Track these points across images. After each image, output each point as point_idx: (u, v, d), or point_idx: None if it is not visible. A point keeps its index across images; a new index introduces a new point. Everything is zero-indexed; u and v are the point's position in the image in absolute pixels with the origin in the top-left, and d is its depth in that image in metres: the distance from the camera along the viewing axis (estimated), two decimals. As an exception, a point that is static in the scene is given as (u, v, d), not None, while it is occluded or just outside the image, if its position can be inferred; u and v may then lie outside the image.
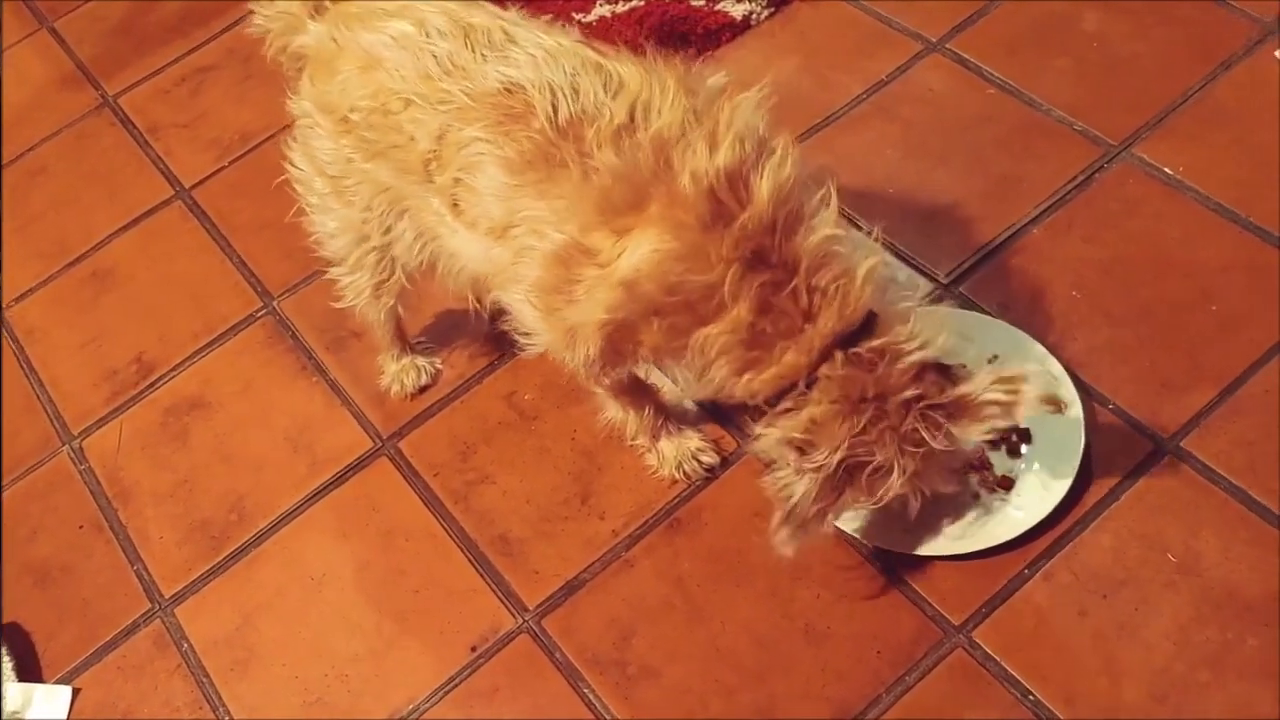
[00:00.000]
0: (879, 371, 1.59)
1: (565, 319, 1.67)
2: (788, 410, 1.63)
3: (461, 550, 2.07)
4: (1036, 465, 1.92)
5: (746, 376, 1.63)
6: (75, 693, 2.03)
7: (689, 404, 2.12)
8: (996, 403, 1.60)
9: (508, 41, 1.67)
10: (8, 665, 2.05)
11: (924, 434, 1.58)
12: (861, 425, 1.59)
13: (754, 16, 2.74)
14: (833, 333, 1.59)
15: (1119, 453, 1.94)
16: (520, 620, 1.97)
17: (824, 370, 1.60)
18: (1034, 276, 2.17)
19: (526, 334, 1.79)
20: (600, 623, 1.93)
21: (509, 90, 1.62)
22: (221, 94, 2.99)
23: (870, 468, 1.61)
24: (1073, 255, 2.19)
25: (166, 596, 2.13)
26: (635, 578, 1.97)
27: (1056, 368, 1.98)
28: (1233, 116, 2.32)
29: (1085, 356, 2.05)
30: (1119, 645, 1.76)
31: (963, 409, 1.61)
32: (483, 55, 1.66)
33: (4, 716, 1.99)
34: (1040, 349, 2.01)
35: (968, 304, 2.15)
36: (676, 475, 2.04)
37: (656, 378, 2.06)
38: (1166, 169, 2.27)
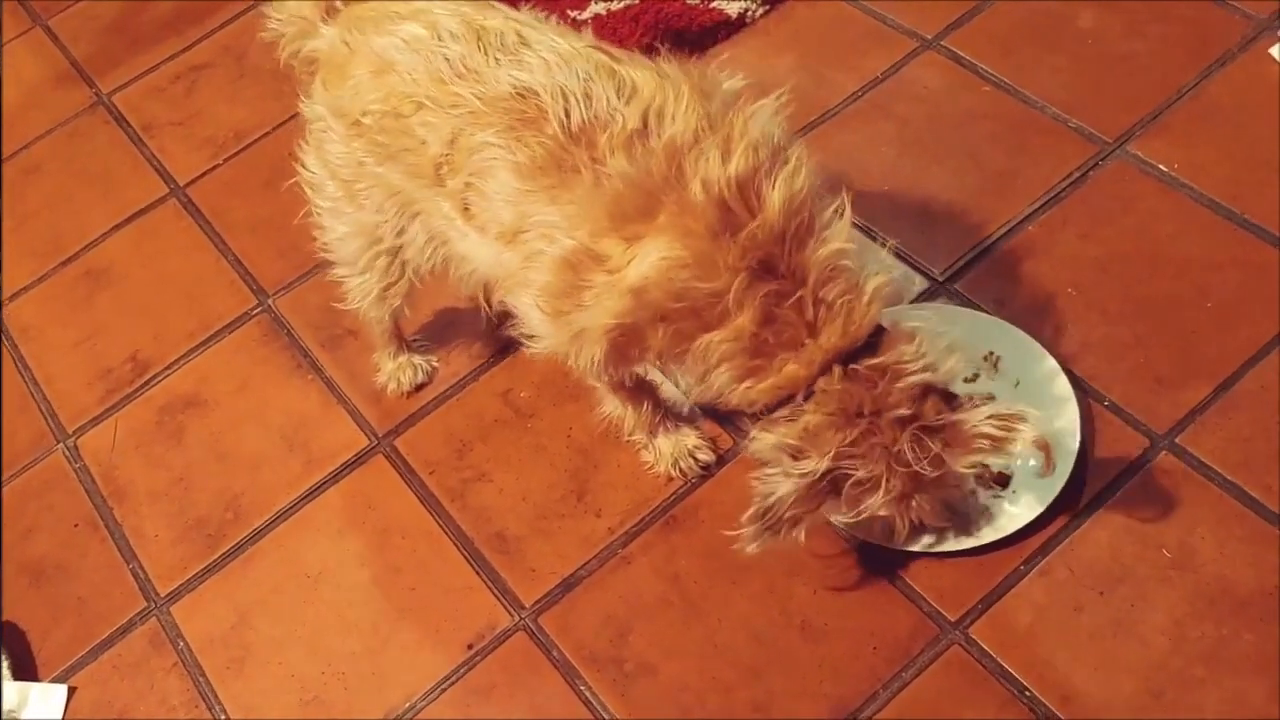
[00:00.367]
0: (878, 389, 1.59)
1: (573, 324, 1.67)
2: (784, 418, 1.63)
3: (458, 548, 2.06)
4: (1032, 461, 1.92)
5: (746, 384, 1.64)
6: (71, 691, 2.03)
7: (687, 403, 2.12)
8: (990, 437, 1.60)
9: (521, 44, 1.66)
10: (3, 664, 2.05)
11: (910, 455, 1.58)
12: (853, 438, 1.59)
13: (749, 14, 2.73)
14: (835, 349, 1.59)
15: (1115, 449, 1.94)
16: (517, 618, 1.97)
17: (821, 384, 1.60)
18: (1030, 273, 2.18)
19: (532, 336, 1.79)
20: (597, 620, 1.93)
21: (521, 95, 1.62)
22: (215, 92, 2.98)
23: (854, 480, 1.61)
24: (1068, 252, 2.19)
25: (162, 595, 2.12)
26: (632, 575, 1.97)
27: (1052, 363, 1.99)
28: (1228, 114, 2.32)
29: (1081, 353, 2.05)
30: (1115, 641, 1.76)
31: (955, 436, 1.60)
32: (495, 59, 1.65)
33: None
34: (1037, 346, 2.02)
35: (964, 301, 2.15)
36: (673, 472, 2.03)
37: (656, 375, 2.06)
38: (1162, 166, 2.27)
